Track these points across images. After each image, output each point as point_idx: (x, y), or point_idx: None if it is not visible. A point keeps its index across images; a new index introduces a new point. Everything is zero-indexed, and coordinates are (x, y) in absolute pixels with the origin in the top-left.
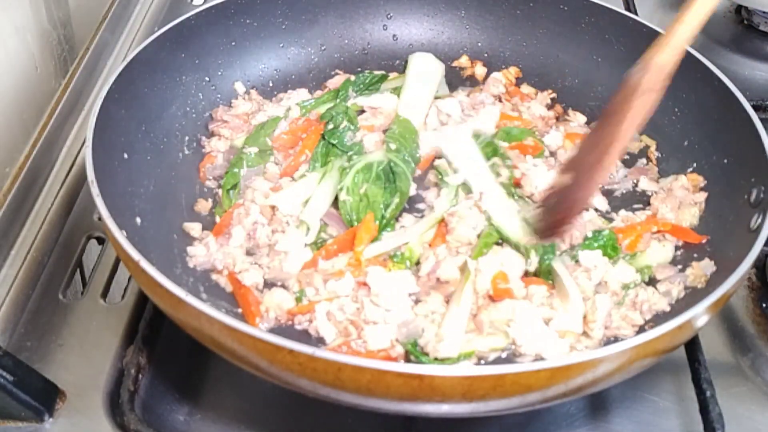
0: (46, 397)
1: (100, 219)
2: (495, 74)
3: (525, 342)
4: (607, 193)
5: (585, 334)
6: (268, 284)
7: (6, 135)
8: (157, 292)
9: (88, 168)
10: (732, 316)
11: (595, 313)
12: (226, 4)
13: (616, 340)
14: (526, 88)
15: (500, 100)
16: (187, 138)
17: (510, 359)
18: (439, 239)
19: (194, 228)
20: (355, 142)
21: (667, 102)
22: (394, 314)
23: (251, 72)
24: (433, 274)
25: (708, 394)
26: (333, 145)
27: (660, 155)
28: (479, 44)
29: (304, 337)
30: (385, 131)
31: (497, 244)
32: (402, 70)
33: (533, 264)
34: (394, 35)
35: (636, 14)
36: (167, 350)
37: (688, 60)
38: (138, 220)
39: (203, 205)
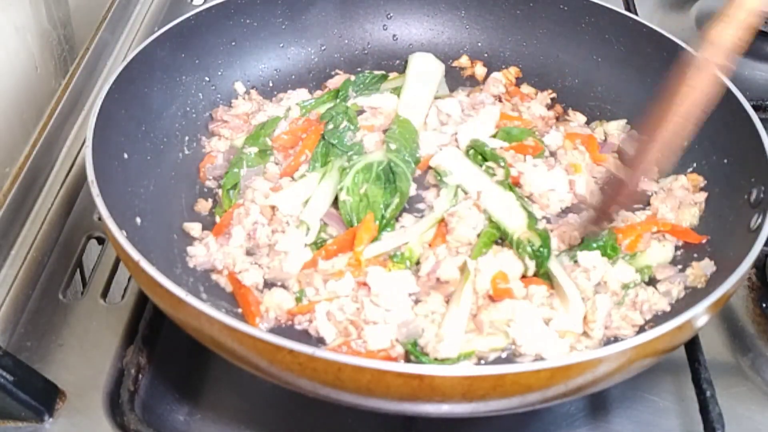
0: (46, 397)
1: (100, 219)
2: (495, 74)
3: (525, 342)
4: None
5: (585, 334)
6: (268, 284)
7: (6, 135)
8: (157, 292)
9: (88, 168)
10: (732, 316)
11: (595, 313)
12: (226, 4)
13: (616, 340)
14: (526, 88)
15: (500, 100)
16: (187, 138)
17: (510, 359)
18: (439, 239)
19: (194, 228)
20: (355, 142)
21: None
22: (394, 314)
23: (251, 72)
24: (433, 274)
25: (708, 394)
26: (333, 145)
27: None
28: (479, 44)
29: (304, 337)
30: (385, 131)
31: (497, 243)
32: (402, 70)
33: (531, 268)
34: (394, 35)
35: (636, 14)
36: (167, 350)
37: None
38: (138, 220)
39: (203, 205)
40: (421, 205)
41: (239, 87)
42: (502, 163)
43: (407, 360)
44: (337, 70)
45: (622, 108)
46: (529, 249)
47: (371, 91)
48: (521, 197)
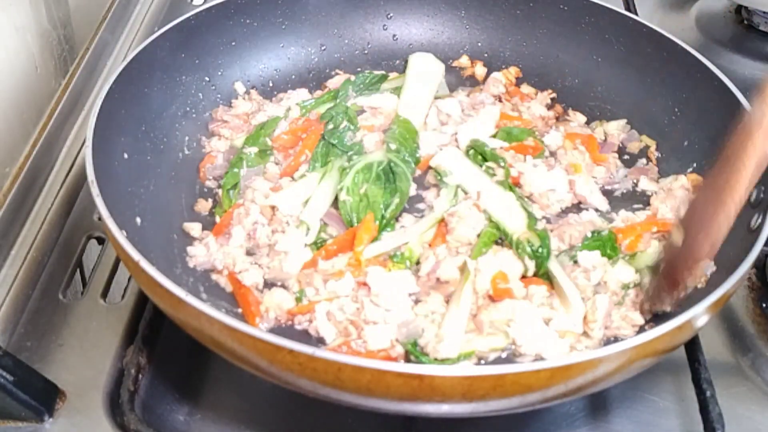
0: (46, 397)
1: (100, 219)
2: (495, 74)
3: (525, 342)
4: (607, 193)
5: (585, 334)
6: (268, 284)
7: (6, 135)
8: (157, 292)
9: (88, 168)
10: (732, 316)
11: (595, 313)
12: (226, 4)
13: (616, 340)
14: (526, 88)
15: (500, 100)
16: (187, 138)
17: (510, 359)
18: (439, 239)
19: (194, 228)
20: (355, 142)
21: (667, 102)
22: (394, 314)
23: (251, 72)
24: (433, 274)
25: (708, 394)
26: (333, 145)
27: (660, 155)
28: (479, 44)
29: (304, 337)
30: (385, 131)
31: (497, 243)
32: (402, 70)
33: (531, 268)
34: (394, 35)
35: (636, 14)
36: (167, 350)
37: (688, 60)
38: (138, 220)
39: (203, 205)
40: (421, 205)
41: (239, 87)
42: (502, 164)
43: (407, 360)
44: (337, 70)
45: (622, 108)
46: (528, 249)
47: (371, 91)
48: (521, 197)
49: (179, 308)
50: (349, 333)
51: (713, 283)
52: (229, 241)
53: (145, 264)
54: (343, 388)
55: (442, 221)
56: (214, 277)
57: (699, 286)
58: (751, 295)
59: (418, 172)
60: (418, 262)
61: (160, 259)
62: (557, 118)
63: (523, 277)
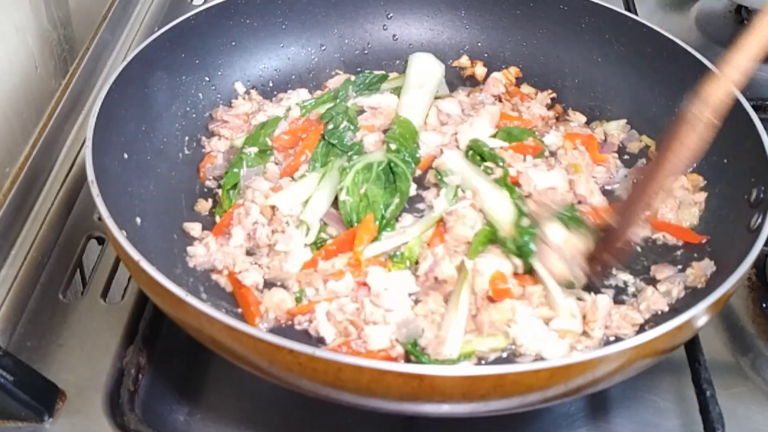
0: (46, 397)
1: (100, 219)
2: (495, 74)
3: (525, 342)
4: (607, 193)
5: (585, 334)
6: (268, 284)
7: (6, 135)
8: (157, 292)
9: (88, 168)
10: (732, 316)
11: (595, 313)
12: (226, 4)
13: (616, 340)
14: (526, 88)
15: (500, 100)
16: (187, 138)
17: (510, 359)
18: (438, 239)
19: (194, 228)
20: (355, 142)
21: (666, 102)
22: (394, 314)
23: (251, 72)
24: (431, 273)
25: (708, 394)
26: (333, 145)
27: None
28: (479, 44)
29: (304, 337)
30: (385, 131)
31: (491, 241)
32: (402, 70)
33: (519, 266)
34: (394, 35)
35: (636, 14)
36: (167, 350)
37: (688, 60)
38: (138, 220)
39: (203, 205)
40: (421, 205)
41: (239, 87)
42: (501, 163)
43: (407, 360)
44: (337, 70)
45: (622, 108)
46: (512, 246)
47: (371, 91)
48: (521, 196)
49: (179, 308)
50: (349, 333)
51: (713, 283)
52: (229, 241)
53: (145, 264)
54: (343, 388)
55: (441, 221)
56: (214, 277)
57: (699, 286)
58: (751, 295)
59: (418, 172)
60: (417, 262)
61: (160, 259)
62: (557, 118)
63: (520, 275)
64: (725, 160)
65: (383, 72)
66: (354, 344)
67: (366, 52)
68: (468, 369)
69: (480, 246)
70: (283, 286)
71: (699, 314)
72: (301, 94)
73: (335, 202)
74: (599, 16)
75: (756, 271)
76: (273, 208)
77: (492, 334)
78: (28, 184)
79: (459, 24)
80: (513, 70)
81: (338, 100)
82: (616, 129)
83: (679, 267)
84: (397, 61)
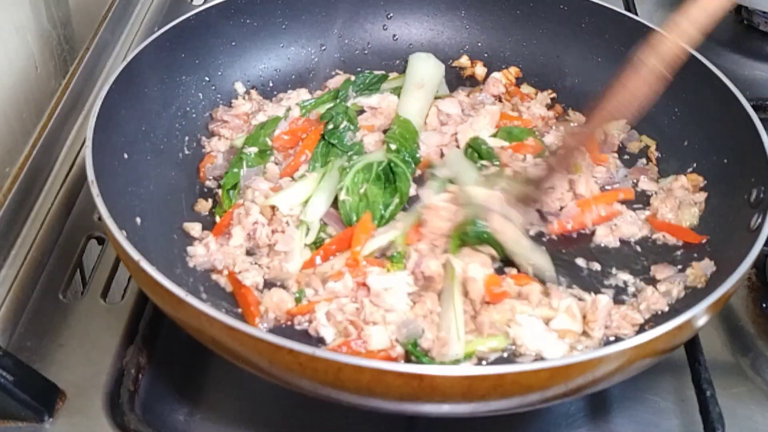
0: (46, 397)
1: (100, 219)
2: (495, 74)
3: (525, 342)
4: None
5: (585, 334)
6: (268, 284)
7: (6, 135)
8: (157, 292)
9: (88, 168)
10: (732, 316)
11: (595, 313)
12: (226, 4)
13: (616, 340)
14: (526, 88)
15: (500, 100)
16: (187, 138)
17: (510, 359)
18: (415, 234)
19: (194, 228)
20: (355, 142)
21: (667, 102)
22: (393, 314)
23: (251, 72)
24: (418, 269)
25: (708, 394)
26: (333, 145)
27: (660, 155)
28: (479, 44)
29: (304, 337)
30: (385, 131)
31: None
32: (402, 70)
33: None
34: (394, 35)
35: (636, 14)
36: (167, 350)
37: (688, 60)
38: (138, 220)
39: (203, 205)
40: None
41: (239, 87)
42: (496, 162)
43: (407, 360)
44: (337, 70)
45: None
46: (473, 239)
47: (371, 91)
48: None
49: (179, 308)
50: (349, 333)
51: (713, 283)
52: (229, 241)
53: (145, 264)
54: (343, 388)
55: None
56: (214, 277)
57: (699, 286)
58: (751, 295)
59: (418, 172)
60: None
61: (160, 259)
62: (557, 118)
63: (516, 275)
64: (725, 160)
65: (383, 72)
66: (354, 344)
67: (366, 52)
68: (468, 369)
69: (459, 240)
70: (282, 286)
71: (699, 314)
72: (301, 94)
73: (335, 202)
74: (599, 16)
75: (756, 271)
76: (273, 208)
77: (492, 334)
78: (28, 184)
79: (459, 24)
80: (513, 70)
81: (338, 100)
82: (616, 129)
83: (679, 267)
84: (397, 61)
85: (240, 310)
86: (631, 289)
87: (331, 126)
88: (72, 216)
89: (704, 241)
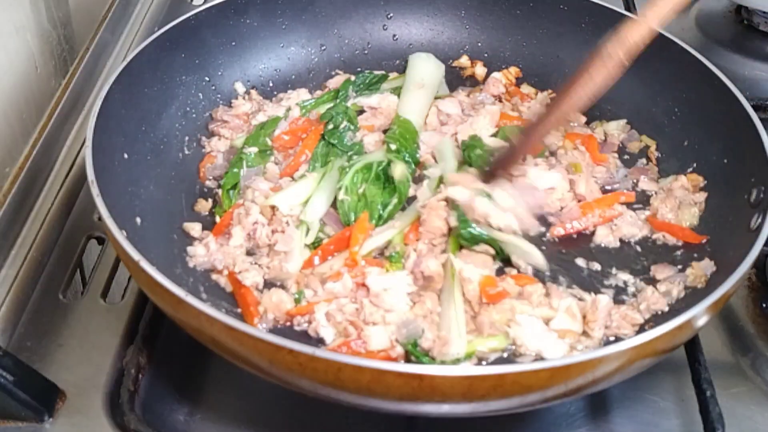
0: (46, 397)
1: (100, 219)
2: (495, 74)
3: (525, 342)
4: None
5: (585, 334)
6: (268, 284)
7: (6, 135)
8: (157, 292)
9: (88, 168)
10: (732, 316)
11: (595, 313)
12: (226, 4)
13: (616, 339)
14: (526, 88)
15: (500, 100)
16: (187, 138)
17: (510, 359)
18: (413, 233)
19: (194, 228)
20: (355, 142)
21: (667, 102)
22: (393, 314)
23: (251, 72)
24: (417, 269)
25: (708, 394)
26: (333, 145)
27: (660, 155)
28: (479, 44)
29: (304, 338)
30: (385, 131)
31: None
32: (402, 70)
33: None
34: (394, 35)
35: (636, 14)
36: (167, 350)
37: (688, 60)
38: (138, 220)
39: (203, 205)
40: None
41: (239, 87)
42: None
43: (407, 360)
44: (337, 70)
45: (622, 108)
46: (468, 241)
47: (371, 91)
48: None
49: (179, 308)
50: (349, 333)
51: (713, 283)
52: (229, 241)
53: (145, 264)
54: (343, 388)
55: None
56: (214, 277)
57: (699, 286)
58: (751, 295)
59: (418, 172)
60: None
61: (160, 259)
62: None
63: (516, 275)
64: (725, 160)
65: (383, 72)
66: (354, 344)
67: (366, 52)
68: (468, 369)
69: (458, 241)
70: (282, 286)
71: (699, 314)
72: (301, 94)
73: (335, 202)
74: (599, 16)
75: (756, 271)
76: (273, 208)
77: (492, 334)
78: (28, 184)
79: (459, 24)
80: (513, 70)
81: (338, 100)
82: (616, 129)
83: (679, 267)
84: (397, 61)
85: (240, 310)
86: (631, 289)
87: (331, 126)
88: (72, 216)
89: (704, 241)
